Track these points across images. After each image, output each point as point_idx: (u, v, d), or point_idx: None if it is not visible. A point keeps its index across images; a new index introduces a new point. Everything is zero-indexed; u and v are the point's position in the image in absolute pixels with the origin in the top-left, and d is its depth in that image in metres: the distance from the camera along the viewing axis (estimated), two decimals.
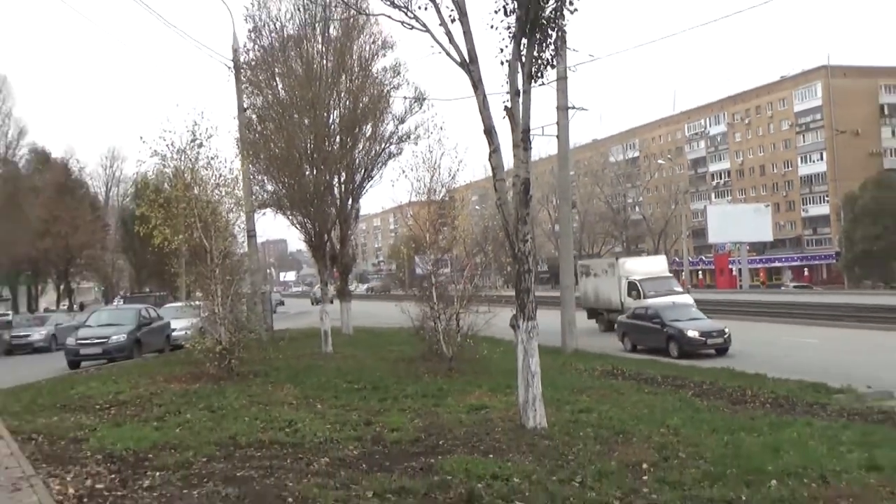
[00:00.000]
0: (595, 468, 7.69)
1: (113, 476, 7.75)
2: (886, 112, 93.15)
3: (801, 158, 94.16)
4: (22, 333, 36.24)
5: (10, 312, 63.28)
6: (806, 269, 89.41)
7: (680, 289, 33.07)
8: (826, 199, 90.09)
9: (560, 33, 10.29)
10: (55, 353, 29.98)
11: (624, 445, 9.03)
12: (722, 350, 22.30)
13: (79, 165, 72.77)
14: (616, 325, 27.48)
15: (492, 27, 10.02)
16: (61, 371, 21.83)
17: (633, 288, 30.46)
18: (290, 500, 6.71)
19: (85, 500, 6.86)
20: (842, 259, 76.59)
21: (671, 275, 35.50)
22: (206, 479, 7.49)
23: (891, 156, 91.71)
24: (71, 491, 7.15)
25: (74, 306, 64.37)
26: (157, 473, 7.79)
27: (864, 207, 68.91)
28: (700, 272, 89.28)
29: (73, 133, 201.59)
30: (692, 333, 22.29)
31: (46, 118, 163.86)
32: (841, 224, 76.84)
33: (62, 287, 69.61)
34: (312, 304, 69.01)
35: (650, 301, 27.34)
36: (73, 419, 11.58)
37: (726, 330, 22.83)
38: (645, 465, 7.93)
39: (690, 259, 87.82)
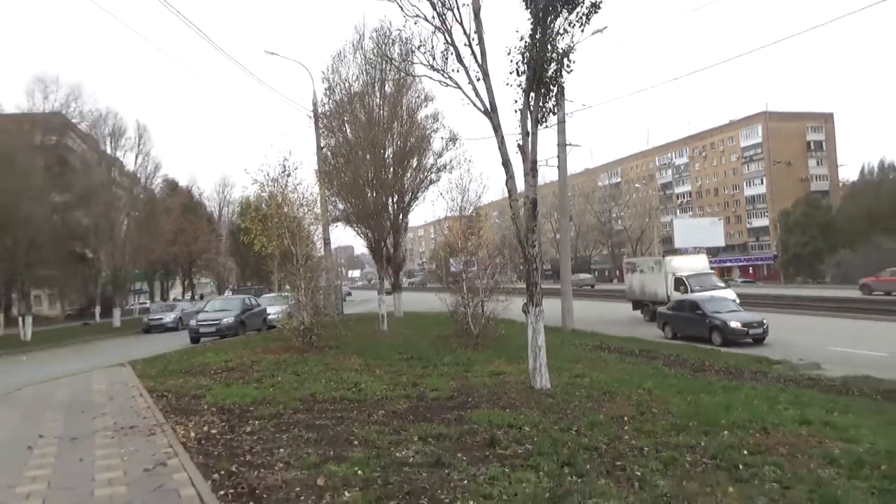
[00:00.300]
0: (587, 420, 7.61)
1: (223, 424, 7.83)
2: (812, 147, 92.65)
3: (746, 183, 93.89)
4: (157, 317, 36.73)
5: (148, 301, 64.41)
6: (750, 268, 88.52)
7: (722, 284, 28.94)
8: (766, 214, 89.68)
9: (560, 88, 10.24)
10: (181, 331, 30.36)
11: (609, 403, 8.92)
12: (759, 339, 19.57)
13: (199, 191, 73.89)
14: (657, 316, 24.21)
15: (507, 84, 10.02)
16: (185, 345, 22.06)
17: (680, 283, 26.80)
18: (355, 442, 6.73)
19: (202, 442, 6.94)
20: (779, 260, 76.33)
21: (713, 271, 30.94)
22: (293, 426, 7.55)
23: (816, 181, 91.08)
24: (192, 435, 7.24)
25: (195, 297, 65.16)
26: (256, 422, 7.86)
27: (795, 221, 70.11)
28: None
29: (195, 166, 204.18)
30: (735, 324, 19.72)
31: (176, 155, 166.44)
32: (778, 233, 76.79)
33: (186, 282, 70.55)
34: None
35: (694, 294, 24.24)
36: (194, 381, 11.70)
37: (764, 321, 20.02)
38: (626, 418, 7.83)
39: None
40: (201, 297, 62.26)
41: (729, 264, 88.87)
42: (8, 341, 31.11)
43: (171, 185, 66.44)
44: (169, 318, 35.95)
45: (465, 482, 5.29)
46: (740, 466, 5.87)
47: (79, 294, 55.66)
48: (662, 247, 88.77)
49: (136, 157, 50.35)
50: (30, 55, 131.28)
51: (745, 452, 6.33)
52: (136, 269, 53.80)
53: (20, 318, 33.85)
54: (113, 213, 44.83)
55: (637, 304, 30.98)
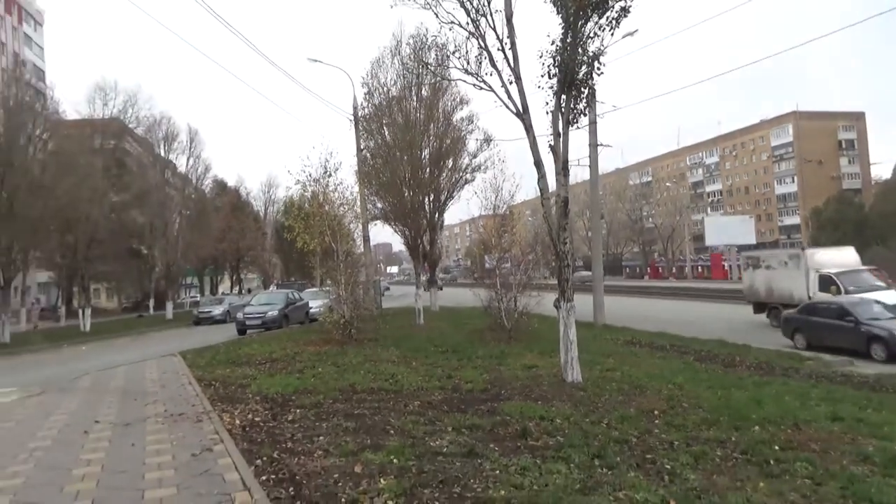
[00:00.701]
0: (618, 413, 7.48)
1: (266, 412, 7.90)
2: (843, 146, 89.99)
3: (777, 181, 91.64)
4: (206, 310, 37.37)
5: (198, 295, 65.68)
6: None
7: (882, 284, 20.96)
8: (797, 212, 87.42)
9: (591, 90, 10.09)
10: (229, 324, 30.76)
11: (640, 397, 8.74)
12: None
13: (246, 191, 74.78)
14: (784, 321, 19.19)
15: (539, 87, 9.95)
16: (233, 337, 22.38)
17: (829, 282, 20.85)
18: (391, 431, 6.73)
19: (247, 429, 7.01)
20: None
21: (866, 267, 23.61)
22: (332, 415, 7.58)
23: (848, 179, 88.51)
24: (237, 422, 7.33)
25: (242, 291, 66.20)
26: (298, 410, 7.91)
27: (827, 218, 68.11)
28: (699, 267, 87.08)
29: (243, 167, 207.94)
30: None
31: (225, 157, 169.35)
32: (809, 231, 74.63)
33: (234, 277, 71.65)
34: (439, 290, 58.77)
35: (845, 297, 18.89)
36: (240, 371, 11.86)
37: None
38: (656, 412, 7.66)
39: (692, 257, 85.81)
40: (248, 291, 63.19)
41: None
42: (69, 332, 32.04)
43: (220, 186, 67.59)
44: (217, 311, 36.55)
45: (497, 472, 5.24)
46: (771, 462, 5.70)
47: (134, 288, 57.06)
48: (693, 244, 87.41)
49: (188, 159, 51.44)
50: (90, 63, 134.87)
51: (777, 448, 6.14)
52: (187, 265, 54.96)
53: (80, 311, 34.81)
54: (166, 212, 45.91)
55: (760, 307, 24.90)
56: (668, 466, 5.48)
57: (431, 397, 8.65)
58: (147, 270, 48.38)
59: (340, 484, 4.95)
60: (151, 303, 49.18)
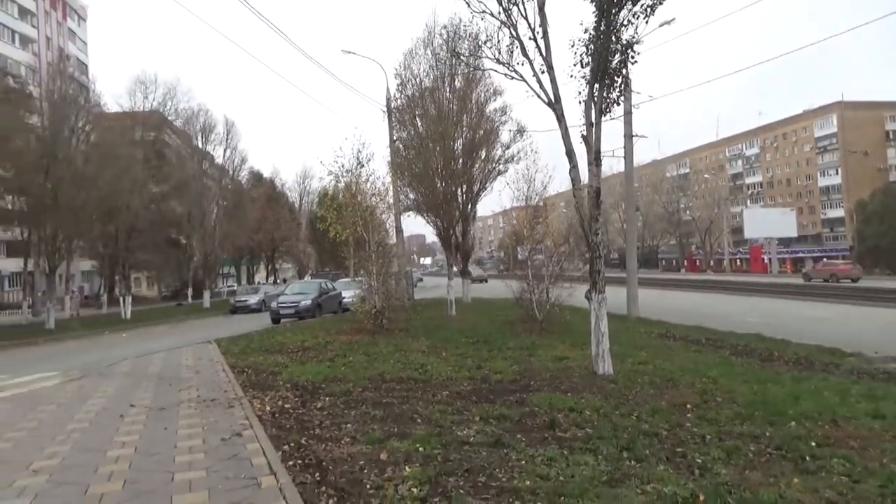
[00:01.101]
0: (649, 406, 7.34)
1: (296, 399, 7.98)
2: (891, 137, 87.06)
3: (820, 173, 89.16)
4: (242, 299, 37.99)
5: (235, 284, 66.81)
6: (824, 258, 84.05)
7: None
8: (840, 204, 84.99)
9: (625, 80, 9.91)
10: (264, 313, 31.16)
11: (672, 390, 8.55)
12: None
13: (281, 182, 75.94)
14: None
15: (571, 76, 9.81)
16: (267, 326, 22.68)
17: None
18: (419, 420, 6.72)
19: (276, 415, 7.09)
20: (855, 251, 71.94)
21: None
22: (361, 403, 7.60)
23: (895, 171, 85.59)
24: (267, 409, 7.41)
25: (277, 280, 67.10)
26: (327, 398, 7.96)
27: (873, 211, 65.91)
28: (738, 260, 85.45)
29: (278, 158, 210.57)
30: None
31: (260, 148, 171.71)
32: (854, 224, 72.45)
33: (270, 267, 72.69)
34: (478, 282, 52.78)
35: None
36: (272, 359, 11.99)
37: None
38: (689, 406, 7.48)
39: (730, 250, 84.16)
40: (284, 281, 64.04)
41: (802, 255, 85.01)
42: (111, 319, 32.90)
43: (256, 177, 68.55)
44: (253, 300, 37.10)
45: (523, 462, 5.19)
46: (807, 458, 5.51)
47: (173, 277, 58.31)
48: (732, 237, 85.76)
49: (225, 150, 52.25)
50: (131, 56, 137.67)
51: (813, 444, 5.93)
52: (224, 255, 55.91)
53: (121, 299, 35.72)
54: (204, 202, 46.73)
55: None
56: (699, 460, 5.35)
57: (460, 387, 8.62)
58: (185, 260, 49.37)
59: (366, 470, 4.97)
60: (190, 292, 50.21)
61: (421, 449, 5.51)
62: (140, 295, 56.22)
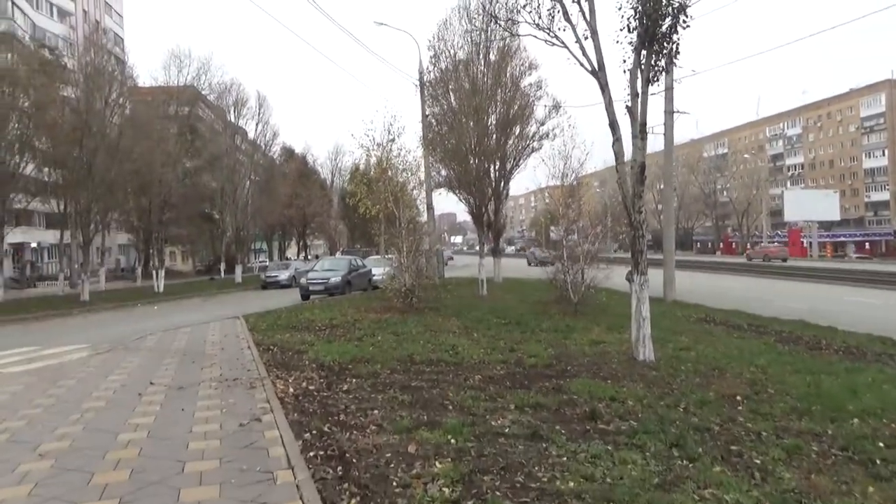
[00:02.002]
0: (696, 397, 6.80)
1: (322, 380, 7.63)
2: None
3: (865, 154, 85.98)
4: (273, 274, 38.06)
5: (266, 260, 67.29)
6: (867, 243, 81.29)
7: None
8: (886, 187, 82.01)
9: (674, 46, 9.24)
10: (294, 288, 31.11)
11: (719, 379, 7.99)
12: None
13: (313, 158, 75.84)
14: None
15: (617, 41, 9.16)
16: (296, 302, 22.53)
17: None
18: (450, 406, 6.30)
19: (300, 398, 6.74)
20: None
21: None
22: (389, 387, 7.21)
23: None
24: (291, 390, 7.07)
25: (309, 256, 67.38)
26: (354, 380, 7.60)
27: None
28: (776, 243, 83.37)
29: (310, 134, 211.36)
30: None
31: (292, 124, 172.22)
32: None
33: (301, 243, 73.02)
34: (529, 264, 44.65)
35: None
36: (299, 336, 11.73)
37: None
38: (739, 397, 6.92)
39: (768, 233, 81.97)
40: (316, 257, 64.26)
41: (843, 239, 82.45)
42: (144, 292, 33.22)
43: (288, 152, 68.59)
44: (284, 275, 37.12)
45: (565, 459, 4.72)
46: (877, 461, 4.95)
47: (207, 251, 58.87)
48: (770, 219, 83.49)
49: (257, 125, 52.22)
50: (165, 30, 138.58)
51: (882, 445, 5.36)
52: (256, 230, 56.14)
53: (154, 272, 36.01)
54: (236, 177, 46.79)
55: None
56: (758, 461, 4.83)
57: (493, 371, 8.19)
58: (218, 234, 49.63)
59: (392, 465, 4.55)
60: (222, 266, 50.57)
61: (452, 441, 5.08)
62: (175, 269, 56.89)
